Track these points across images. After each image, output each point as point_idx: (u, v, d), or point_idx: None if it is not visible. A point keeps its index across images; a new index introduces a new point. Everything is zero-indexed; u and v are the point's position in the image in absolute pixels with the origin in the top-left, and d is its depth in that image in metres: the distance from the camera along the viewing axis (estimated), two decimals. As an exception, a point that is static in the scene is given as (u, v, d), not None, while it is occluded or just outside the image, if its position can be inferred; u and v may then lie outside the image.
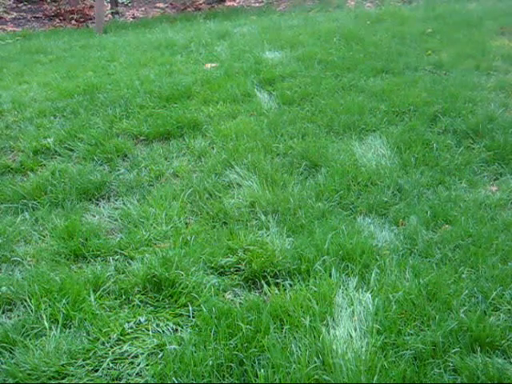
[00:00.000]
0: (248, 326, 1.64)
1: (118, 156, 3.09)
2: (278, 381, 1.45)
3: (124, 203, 2.60)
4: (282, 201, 2.51)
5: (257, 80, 4.26)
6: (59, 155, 3.13)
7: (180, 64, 4.84)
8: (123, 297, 1.91)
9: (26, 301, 1.88)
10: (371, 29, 5.84)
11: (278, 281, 1.97)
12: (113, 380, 1.53)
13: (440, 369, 1.51)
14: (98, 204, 2.64)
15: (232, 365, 1.53)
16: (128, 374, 1.56)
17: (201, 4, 9.93)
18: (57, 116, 3.68)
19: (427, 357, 1.54)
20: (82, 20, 9.19)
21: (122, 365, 1.58)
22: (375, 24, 6.10)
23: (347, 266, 2.00)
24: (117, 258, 2.17)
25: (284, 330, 1.66)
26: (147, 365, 1.57)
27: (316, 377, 1.47)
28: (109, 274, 2.04)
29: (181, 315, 1.79)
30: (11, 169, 3.00)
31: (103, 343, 1.65)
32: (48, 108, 3.79)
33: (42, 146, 3.20)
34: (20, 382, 1.51)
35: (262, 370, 1.48)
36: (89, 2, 9.59)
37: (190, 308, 1.79)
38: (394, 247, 2.17)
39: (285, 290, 1.89)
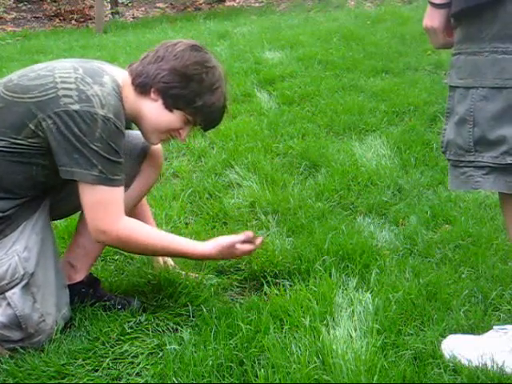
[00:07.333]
0: (248, 326, 1.64)
1: (118, 156, 3.08)
2: (277, 381, 1.45)
3: (124, 203, 2.60)
4: (281, 201, 2.51)
5: (257, 80, 4.26)
6: (59, 155, 3.13)
7: (180, 64, 4.83)
8: (123, 297, 1.90)
9: (25, 301, 1.87)
10: (371, 29, 5.84)
11: (278, 281, 1.97)
12: (113, 380, 1.53)
13: (440, 369, 1.50)
14: (97, 204, 2.64)
15: (232, 365, 1.52)
16: (128, 373, 1.56)
17: (201, 4, 9.93)
18: (57, 116, 3.68)
19: (427, 357, 1.54)
20: (82, 20, 9.19)
21: (122, 364, 1.58)
22: (375, 24, 6.10)
23: (347, 266, 2.00)
24: (117, 257, 2.17)
25: (284, 330, 1.66)
26: (147, 365, 1.57)
27: (316, 377, 1.46)
28: (109, 273, 2.04)
29: (181, 315, 1.78)
30: (11, 169, 2.99)
31: (103, 343, 1.65)
32: (48, 108, 3.79)
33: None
34: (20, 381, 1.51)
35: (262, 370, 1.48)
36: (89, 2, 9.59)
37: (190, 308, 1.79)
38: (394, 247, 2.17)
39: (285, 289, 1.89)
